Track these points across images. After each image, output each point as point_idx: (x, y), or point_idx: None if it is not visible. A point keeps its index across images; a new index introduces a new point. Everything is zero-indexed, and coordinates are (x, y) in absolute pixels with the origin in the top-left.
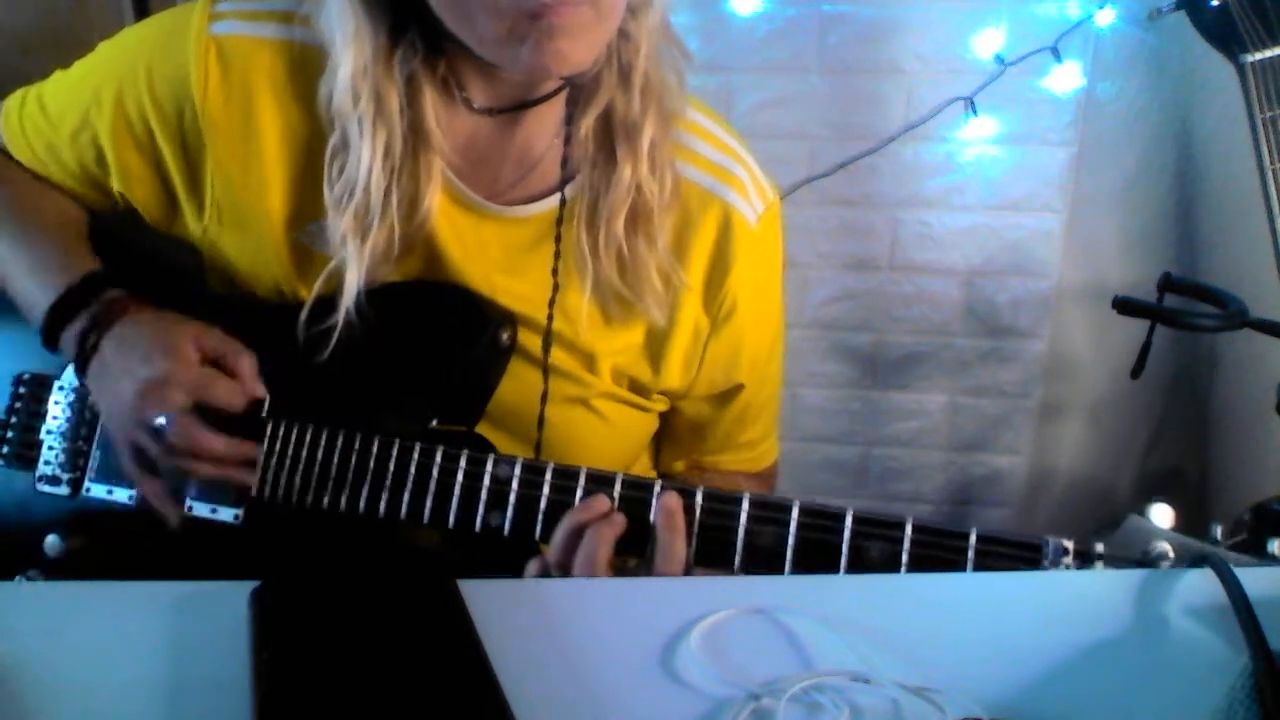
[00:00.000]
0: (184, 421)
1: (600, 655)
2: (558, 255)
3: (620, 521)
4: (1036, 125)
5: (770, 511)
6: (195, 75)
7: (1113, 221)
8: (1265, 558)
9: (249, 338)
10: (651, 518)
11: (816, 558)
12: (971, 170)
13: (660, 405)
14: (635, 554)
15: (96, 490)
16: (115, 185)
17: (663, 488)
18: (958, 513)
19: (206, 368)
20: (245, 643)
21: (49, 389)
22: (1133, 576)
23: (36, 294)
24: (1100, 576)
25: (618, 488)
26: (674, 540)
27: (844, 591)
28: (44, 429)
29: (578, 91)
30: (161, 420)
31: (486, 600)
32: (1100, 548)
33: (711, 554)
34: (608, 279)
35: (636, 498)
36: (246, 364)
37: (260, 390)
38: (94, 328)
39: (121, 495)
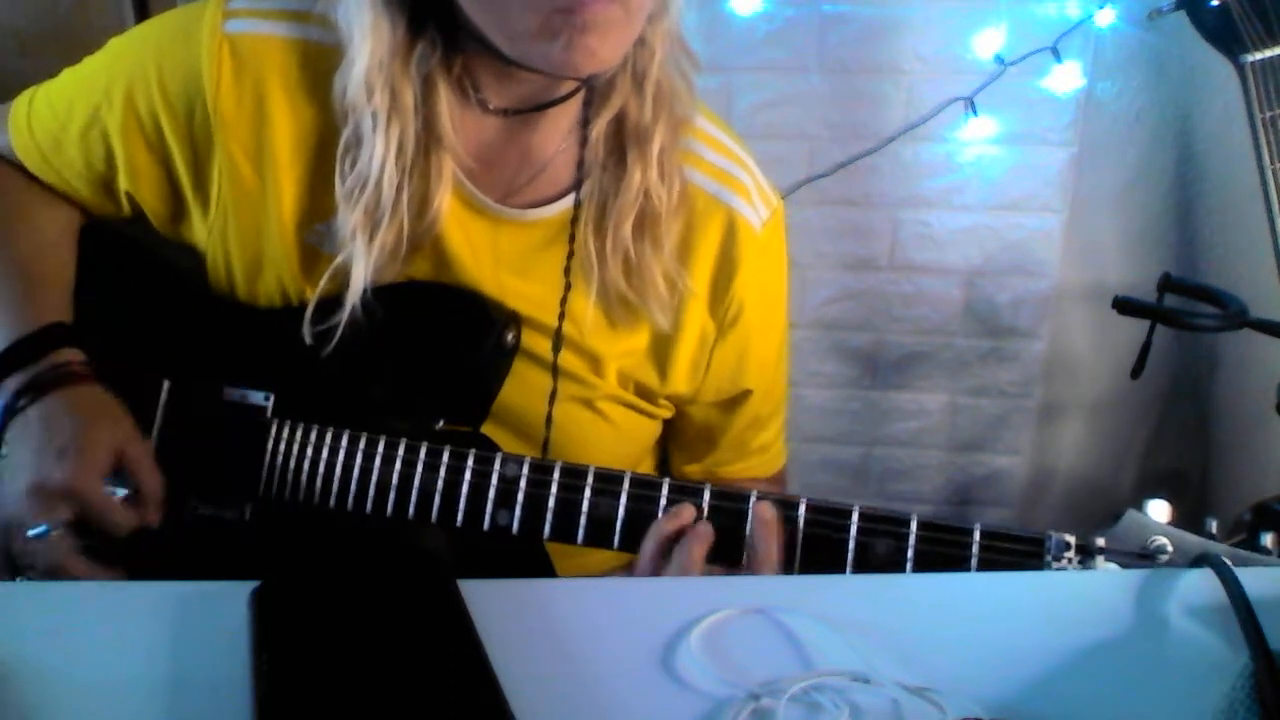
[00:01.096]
0: (56, 538)
1: (600, 655)
2: (571, 255)
3: (710, 534)
4: (1036, 125)
5: (777, 508)
6: (208, 73)
7: (1113, 221)
8: (1259, 549)
9: (253, 339)
10: (748, 531)
11: (823, 554)
12: (971, 170)
13: (665, 412)
14: (728, 563)
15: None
16: (123, 184)
17: (758, 496)
18: (958, 513)
19: (105, 491)
20: (245, 643)
21: None
22: (1133, 576)
23: None
24: (1100, 576)
25: (706, 498)
26: (771, 548)
27: (844, 591)
28: None
29: (592, 95)
30: (38, 529)
31: (486, 600)
32: (1101, 542)
33: (721, 551)
34: (613, 283)
35: (729, 508)
36: (154, 493)
37: (154, 520)
38: (29, 388)
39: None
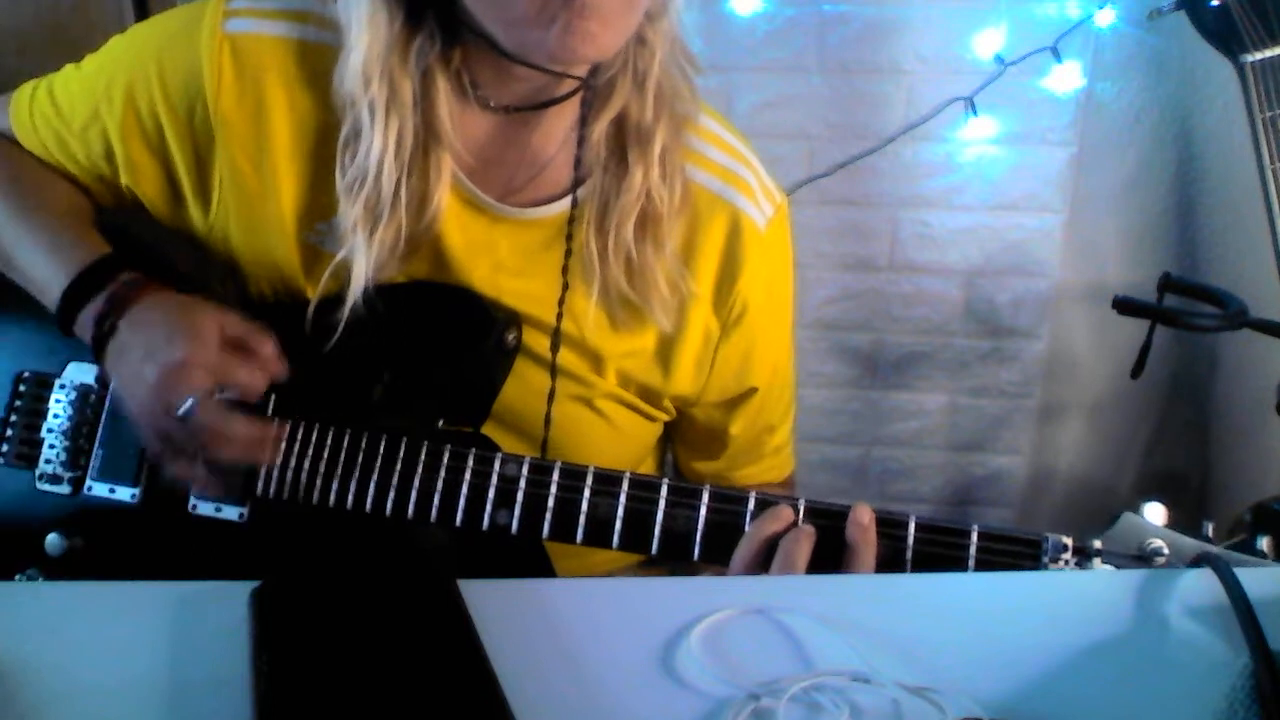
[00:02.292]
0: (208, 405)
1: (600, 655)
2: (569, 255)
3: (813, 534)
4: (1036, 125)
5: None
6: (208, 73)
7: (1113, 221)
8: (1255, 552)
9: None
10: (848, 537)
11: (823, 555)
12: (971, 170)
13: (665, 415)
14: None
15: (98, 489)
16: (123, 180)
17: (854, 505)
18: (958, 513)
19: (227, 351)
20: (245, 643)
21: (50, 388)
22: (1133, 576)
23: (50, 276)
24: (1100, 576)
25: (802, 506)
26: (870, 554)
27: (844, 591)
28: (45, 428)
29: (592, 94)
30: (186, 405)
31: (486, 600)
32: (1097, 544)
33: (720, 550)
34: (615, 284)
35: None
36: (268, 346)
37: (282, 371)
38: (111, 310)
39: (124, 494)
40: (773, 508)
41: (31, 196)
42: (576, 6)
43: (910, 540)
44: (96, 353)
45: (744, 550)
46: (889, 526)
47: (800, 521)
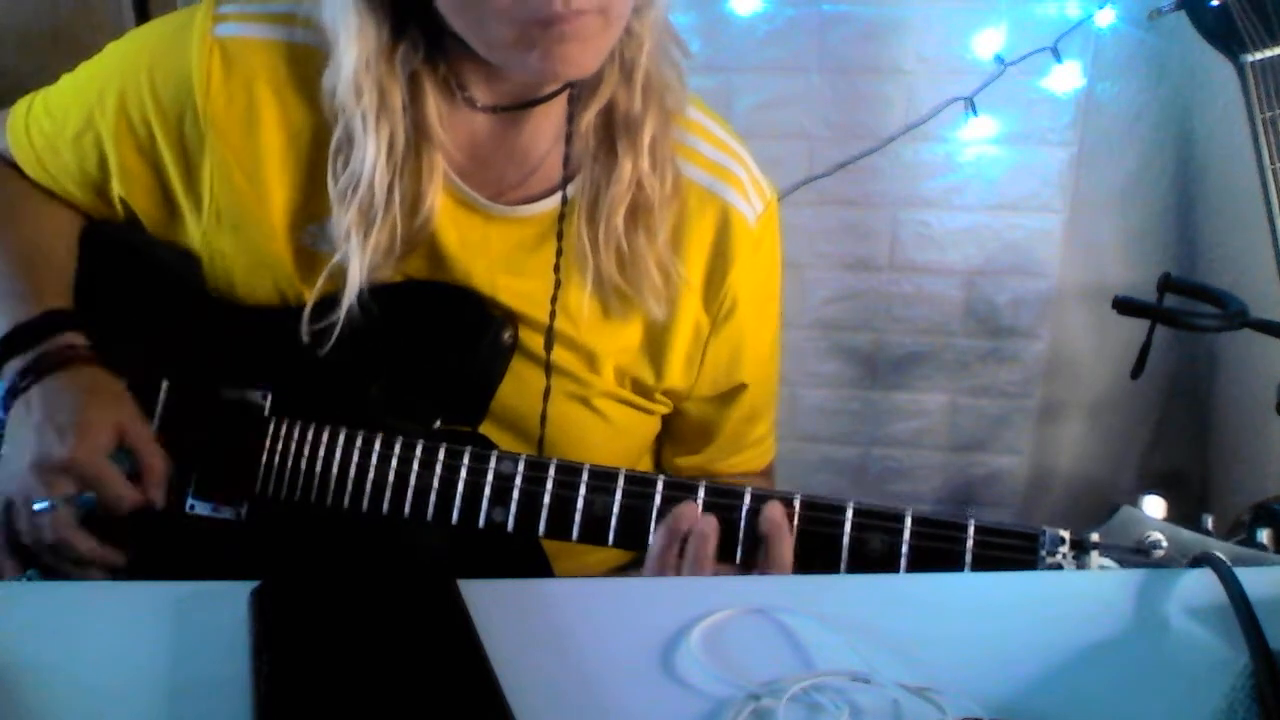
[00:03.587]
0: (60, 514)
1: (600, 655)
2: (560, 253)
3: (714, 529)
4: (1036, 125)
5: (762, 502)
6: (198, 77)
7: (1113, 221)
8: (1255, 546)
9: (250, 339)
10: (761, 531)
11: (819, 550)
12: (971, 170)
13: (662, 408)
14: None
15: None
16: (116, 188)
17: (757, 495)
18: (958, 513)
19: (108, 464)
20: (245, 643)
21: None
22: (1133, 576)
23: None
24: (1100, 576)
25: (701, 495)
26: (785, 548)
27: (844, 591)
28: None
29: (580, 89)
30: (41, 505)
31: (486, 600)
32: (1095, 537)
33: (719, 546)
34: (608, 273)
35: (725, 504)
36: (157, 470)
37: (158, 500)
38: (31, 369)
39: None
40: (678, 505)
41: (4, 228)
42: (555, 34)
43: (907, 535)
44: (5, 401)
45: (653, 547)
46: (885, 520)
47: (795, 520)
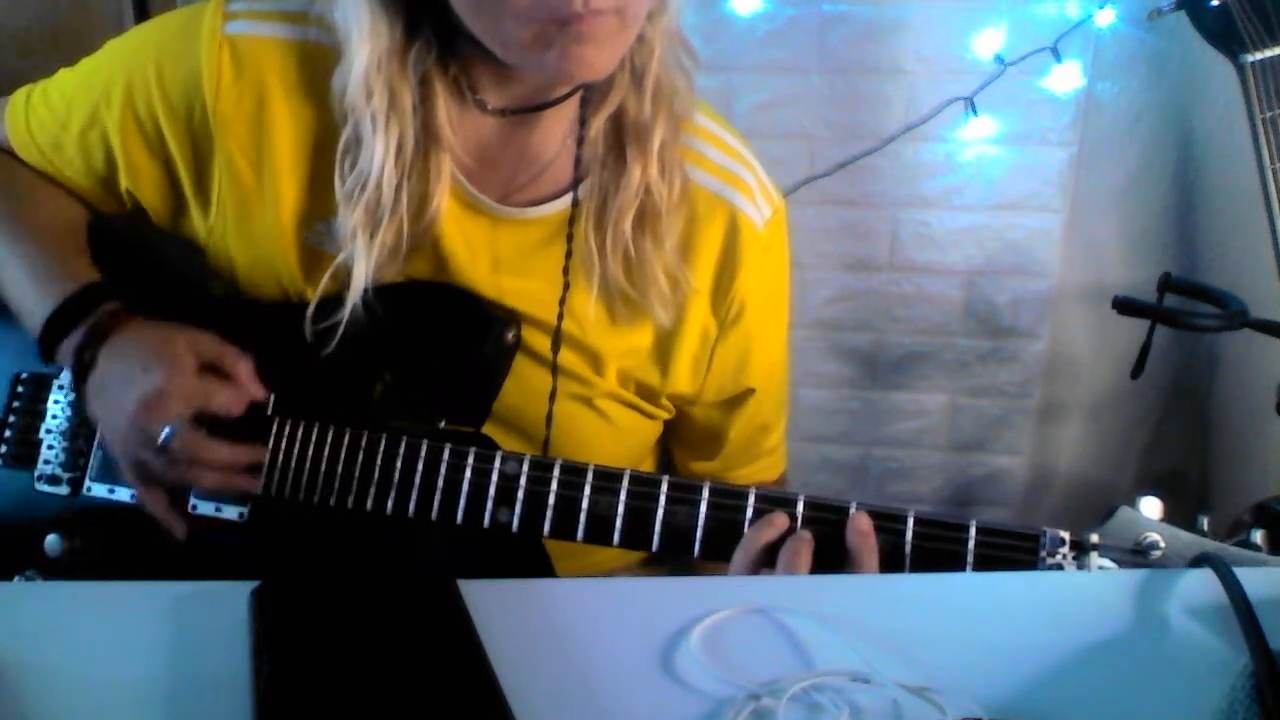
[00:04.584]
0: (186, 433)
1: (600, 655)
2: (569, 255)
3: (810, 537)
4: (1036, 125)
5: (775, 505)
6: (208, 74)
7: (1113, 221)
8: (1250, 546)
9: (253, 338)
10: (848, 542)
11: (821, 550)
12: (971, 170)
13: (665, 413)
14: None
15: (98, 490)
16: (123, 183)
17: (856, 507)
18: (958, 513)
19: (204, 375)
20: (245, 643)
21: (48, 388)
22: (1133, 577)
23: (33, 304)
24: (1100, 576)
25: (800, 509)
26: (871, 560)
27: (844, 591)
28: (43, 428)
29: (590, 93)
30: (165, 433)
31: (486, 600)
32: (1094, 538)
33: (720, 547)
34: (614, 279)
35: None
36: (244, 367)
37: (259, 392)
38: (90, 342)
39: (123, 494)
40: (768, 515)
41: (20, 215)
42: (573, 34)
43: (909, 535)
44: (76, 386)
45: (740, 560)
46: (887, 521)
47: (799, 526)
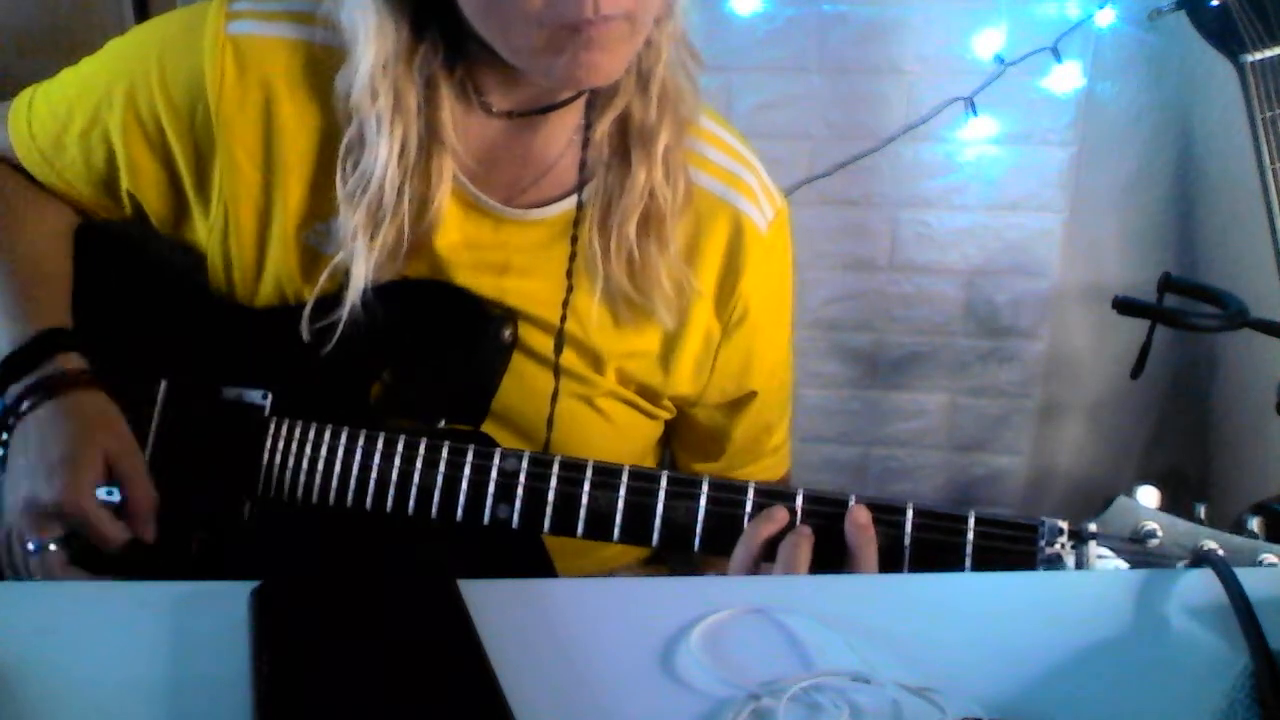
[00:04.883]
0: (49, 557)
1: (600, 655)
2: (573, 258)
3: (809, 532)
4: (1036, 125)
5: (775, 500)
6: (210, 75)
7: (1113, 221)
8: (1246, 533)
9: (251, 337)
10: (846, 536)
11: (820, 544)
12: (971, 170)
13: (666, 413)
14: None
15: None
16: (124, 183)
17: (854, 500)
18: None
19: (95, 505)
20: (245, 643)
21: None
22: (1133, 576)
23: None
24: (1100, 577)
25: (799, 502)
26: (871, 553)
27: (844, 591)
28: None
29: (596, 96)
30: (32, 545)
31: (486, 600)
32: (1093, 527)
33: (720, 542)
34: (618, 282)
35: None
36: (143, 506)
37: (146, 535)
38: (30, 394)
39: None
40: (768, 509)
41: (3, 237)
42: (583, 40)
43: (908, 527)
44: (4, 422)
45: (741, 555)
46: (887, 514)
47: (799, 521)
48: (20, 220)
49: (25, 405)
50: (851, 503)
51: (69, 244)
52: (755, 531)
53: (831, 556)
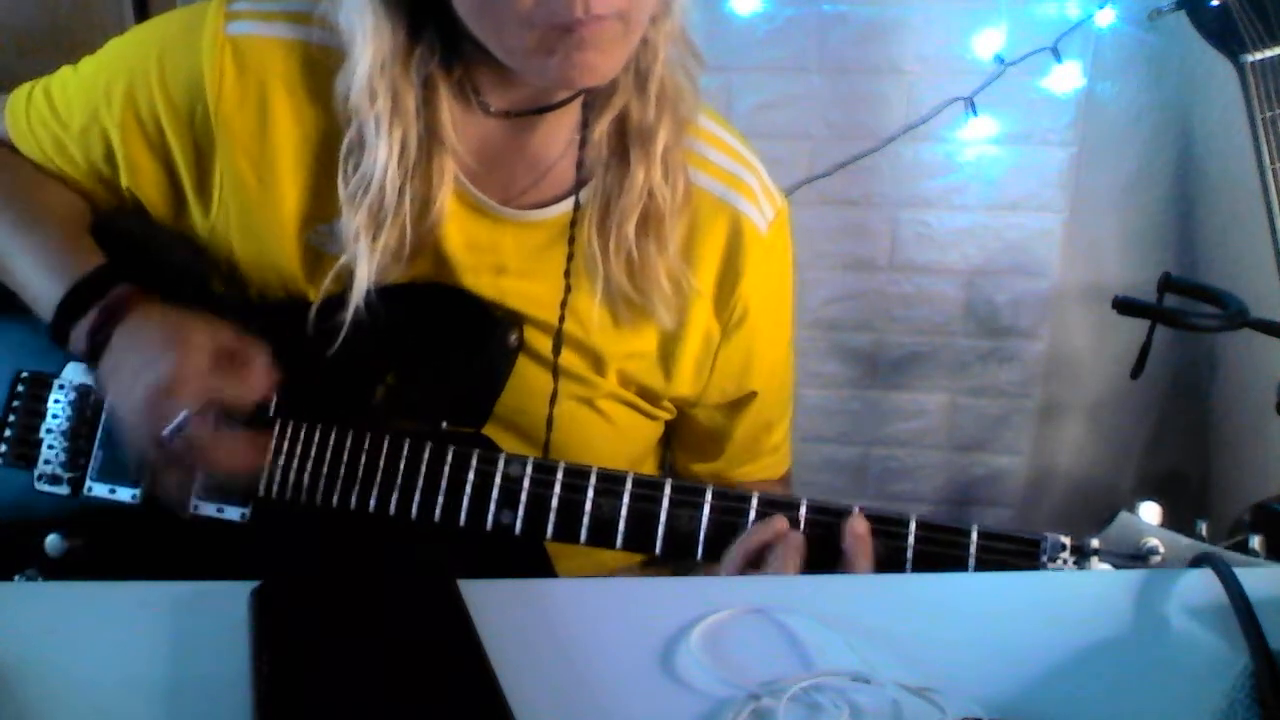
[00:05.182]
0: (196, 421)
1: (600, 655)
2: (571, 258)
3: (802, 543)
4: (1036, 125)
5: (778, 509)
6: (210, 75)
7: (1113, 221)
8: (1247, 553)
9: (255, 337)
10: (843, 546)
11: (823, 554)
12: (971, 170)
13: (666, 414)
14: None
15: (98, 490)
16: (124, 181)
17: (855, 510)
18: (958, 513)
19: (217, 366)
20: (245, 643)
21: (49, 387)
22: (1133, 576)
23: (44, 288)
24: (1100, 576)
25: (804, 511)
26: (863, 561)
27: (844, 591)
28: (44, 428)
29: (594, 96)
30: (176, 420)
31: (486, 600)
32: (1095, 543)
33: (722, 550)
34: (617, 282)
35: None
36: (261, 359)
37: (269, 389)
38: (104, 323)
39: (124, 494)
40: (766, 518)
41: (27, 204)
42: (574, 40)
43: (911, 540)
44: (90, 366)
45: (735, 558)
46: (889, 525)
47: (801, 526)
48: (44, 188)
49: (103, 335)
50: (854, 511)
51: (88, 219)
52: (749, 537)
53: (827, 563)
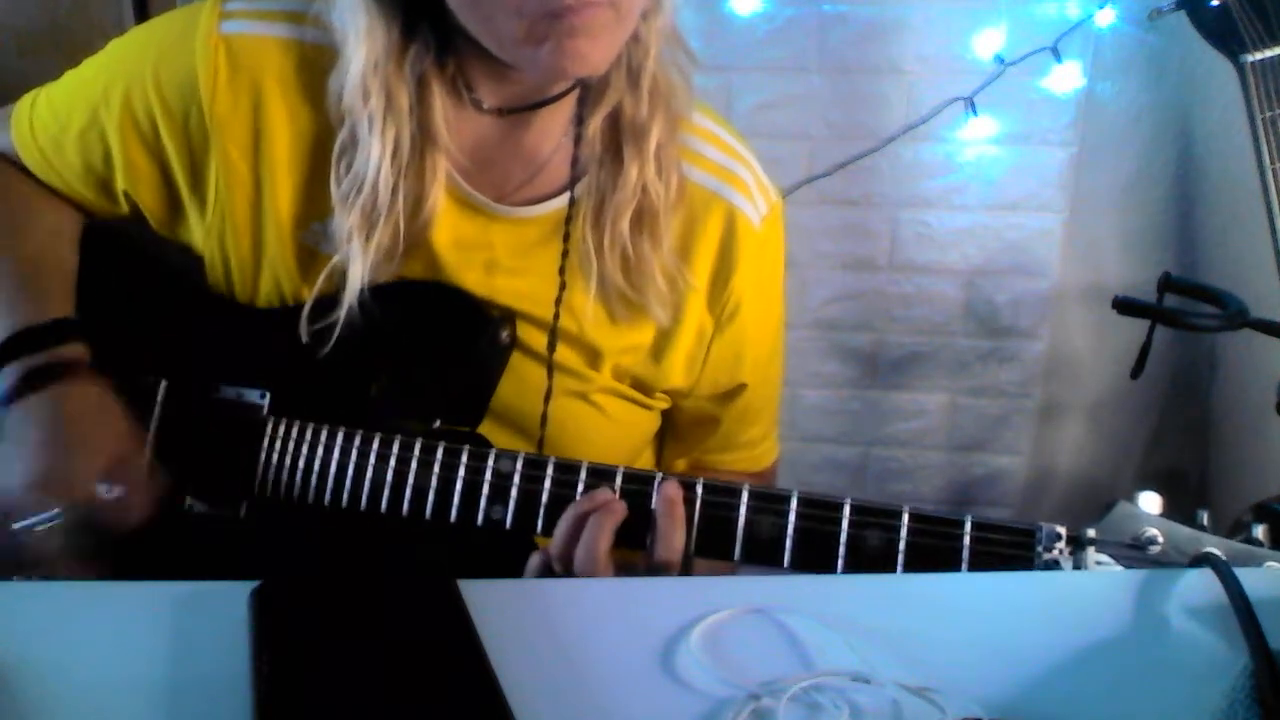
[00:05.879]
0: (44, 534)
1: (600, 655)
2: (565, 255)
3: (621, 510)
4: (1036, 125)
5: (769, 502)
6: (203, 75)
7: (1113, 221)
8: (1251, 542)
9: (249, 338)
10: (652, 507)
11: (815, 548)
12: (971, 170)
13: (662, 404)
14: (638, 546)
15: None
16: (120, 183)
17: (663, 478)
18: (957, 513)
19: (99, 487)
20: (245, 643)
21: None
22: (1133, 576)
23: (2, 318)
24: (1100, 577)
25: (619, 480)
26: (673, 529)
27: (844, 591)
28: None
29: (587, 92)
30: (27, 523)
31: (486, 600)
32: (1092, 533)
33: (712, 545)
34: (612, 278)
35: (638, 490)
36: (147, 496)
37: (145, 525)
38: (35, 377)
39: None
40: (592, 491)
41: (10, 235)
42: (564, 28)
43: (904, 531)
44: (7, 402)
45: (559, 530)
46: (883, 518)
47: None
48: (24, 218)
49: (30, 385)
50: (659, 480)
51: (74, 242)
52: (573, 508)
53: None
